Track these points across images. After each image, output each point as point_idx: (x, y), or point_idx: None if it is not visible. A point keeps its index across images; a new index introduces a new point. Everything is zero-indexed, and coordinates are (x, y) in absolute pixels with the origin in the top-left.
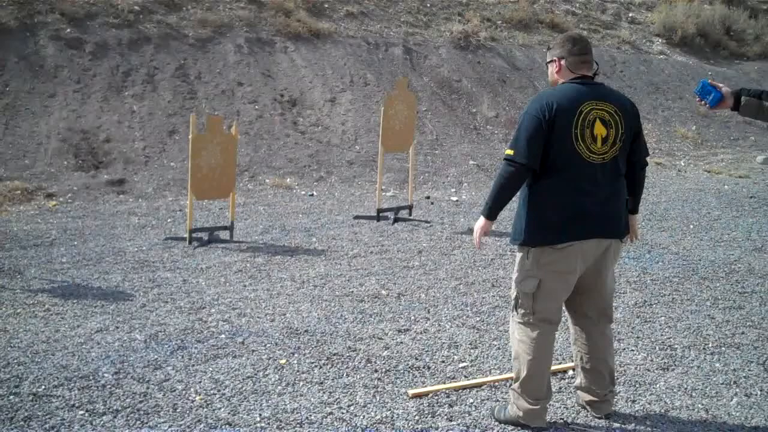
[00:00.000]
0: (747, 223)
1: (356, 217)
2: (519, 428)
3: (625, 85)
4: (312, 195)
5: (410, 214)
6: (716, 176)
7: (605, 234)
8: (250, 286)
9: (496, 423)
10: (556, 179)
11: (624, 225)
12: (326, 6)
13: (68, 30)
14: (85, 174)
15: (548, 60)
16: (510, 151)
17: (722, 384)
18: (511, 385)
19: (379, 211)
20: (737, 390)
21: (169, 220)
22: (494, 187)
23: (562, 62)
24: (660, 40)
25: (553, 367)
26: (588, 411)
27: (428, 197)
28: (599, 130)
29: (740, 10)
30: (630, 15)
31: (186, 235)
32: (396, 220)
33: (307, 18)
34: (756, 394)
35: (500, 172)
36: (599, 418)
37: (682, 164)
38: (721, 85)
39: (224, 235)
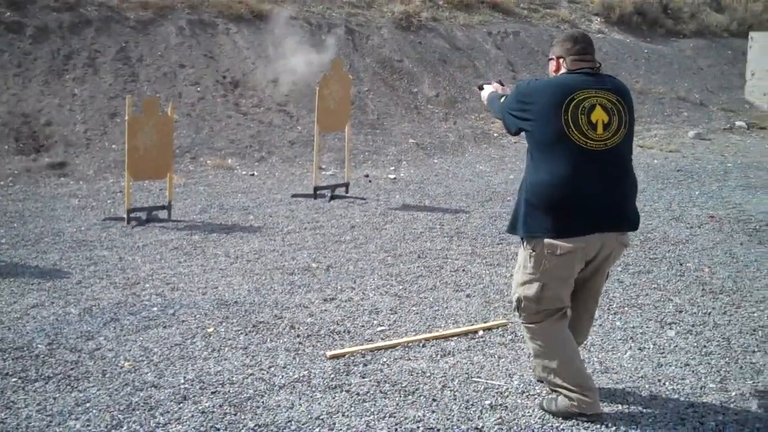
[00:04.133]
0: (670, 195)
1: (294, 196)
2: (575, 418)
3: None
4: (253, 175)
5: (347, 192)
6: (648, 151)
7: (610, 227)
8: (185, 262)
9: (408, 378)
10: (552, 167)
11: (633, 215)
12: None
13: (8, 14)
14: (25, 158)
15: (549, 57)
16: (503, 99)
17: (619, 340)
18: (542, 380)
19: (316, 189)
20: (632, 344)
21: (109, 202)
22: (490, 104)
23: (561, 61)
24: (598, 19)
25: (462, 329)
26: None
27: (367, 175)
28: (599, 116)
29: None
30: None
31: (124, 215)
32: (332, 197)
33: None
34: (648, 348)
35: (495, 106)
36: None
37: None
38: None
39: (163, 214)
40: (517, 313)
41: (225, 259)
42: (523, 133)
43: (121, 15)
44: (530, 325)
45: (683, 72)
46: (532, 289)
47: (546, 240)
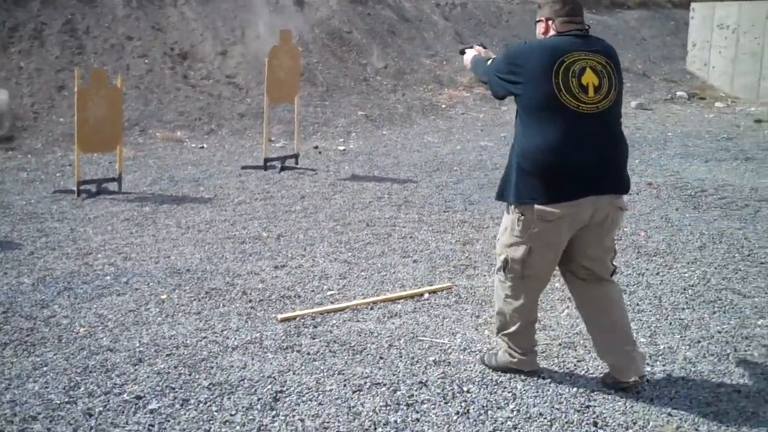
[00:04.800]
0: None
1: (244, 167)
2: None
3: (510, 35)
4: (202, 147)
5: (297, 163)
6: None
7: (602, 189)
8: (137, 232)
9: (356, 338)
10: (544, 132)
11: (625, 180)
12: None
13: None
14: None
15: (537, 20)
16: (490, 62)
17: (557, 300)
18: (496, 334)
19: (266, 160)
20: (569, 304)
21: (58, 175)
22: (475, 66)
23: (550, 23)
24: None
25: (408, 292)
26: (616, 379)
27: (316, 147)
28: (590, 78)
29: None
30: None
31: (74, 188)
32: (283, 168)
33: None
34: None
35: (481, 68)
36: (626, 386)
37: None
38: None
39: (113, 186)
40: (502, 273)
41: (176, 229)
42: (510, 98)
43: None
44: (512, 286)
45: (627, 43)
46: (518, 251)
47: (536, 206)
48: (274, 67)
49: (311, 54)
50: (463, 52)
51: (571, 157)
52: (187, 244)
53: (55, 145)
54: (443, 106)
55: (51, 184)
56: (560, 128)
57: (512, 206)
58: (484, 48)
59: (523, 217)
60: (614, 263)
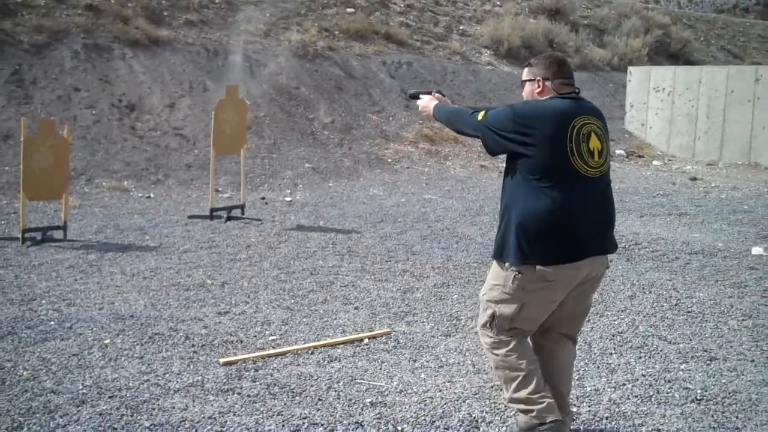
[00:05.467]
0: None
1: (190, 217)
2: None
3: (455, 93)
4: (149, 197)
5: (243, 213)
6: None
7: (600, 250)
8: (81, 279)
9: (296, 381)
10: (552, 194)
11: (614, 240)
12: (165, 14)
13: None
14: None
15: (527, 78)
16: (480, 116)
17: None
18: (506, 395)
19: (212, 210)
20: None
21: (2, 222)
22: (454, 116)
23: (547, 83)
24: (488, 52)
25: (348, 337)
26: None
27: (263, 198)
28: (595, 143)
29: (562, 24)
30: (461, 28)
31: (19, 236)
32: (229, 218)
33: (145, 25)
34: None
35: (466, 120)
36: None
37: (504, 166)
38: None
39: (58, 234)
40: (487, 329)
41: (121, 276)
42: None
43: (14, 38)
44: (498, 343)
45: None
46: (509, 309)
47: (538, 267)
48: (220, 120)
49: (259, 108)
50: (416, 97)
51: (579, 220)
52: (131, 290)
53: (0, 193)
54: (389, 160)
55: None
56: (569, 191)
57: (507, 263)
58: (443, 95)
59: (520, 275)
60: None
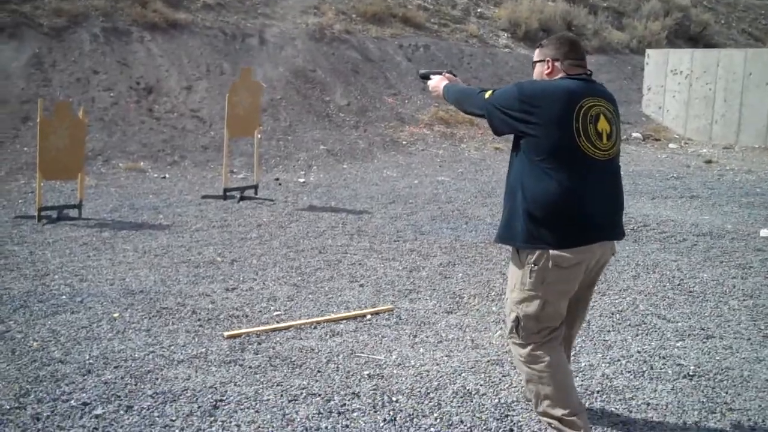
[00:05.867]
0: None
1: (204, 197)
2: None
3: (471, 77)
4: (164, 178)
5: (256, 193)
6: None
7: (610, 235)
8: (94, 256)
9: (297, 354)
10: (559, 177)
11: (623, 226)
12: None
13: None
14: None
15: (538, 59)
16: (488, 94)
17: (492, 322)
18: (536, 410)
19: (226, 190)
20: (502, 326)
21: (20, 201)
22: (462, 96)
23: (557, 64)
24: (506, 35)
25: (351, 313)
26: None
27: (277, 179)
28: (603, 125)
29: (580, 7)
30: (478, 10)
31: (35, 214)
32: (242, 198)
33: (164, 8)
34: None
35: (473, 100)
36: None
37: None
38: None
39: (73, 213)
40: (515, 334)
41: (133, 253)
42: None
43: (34, 22)
44: (528, 348)
45: None
46: (532, 307)
47: (552, 252)
48: (234, 102)
49: (275, 90)
50: (426, 77)
51: (587, 203)
52: (142, 267)
53: (19, 173)
54: (404, 142)
55: (13, 210)
56: (577, 174)
57: (523, 257)
58: (454, 75)
59: (536, 267)
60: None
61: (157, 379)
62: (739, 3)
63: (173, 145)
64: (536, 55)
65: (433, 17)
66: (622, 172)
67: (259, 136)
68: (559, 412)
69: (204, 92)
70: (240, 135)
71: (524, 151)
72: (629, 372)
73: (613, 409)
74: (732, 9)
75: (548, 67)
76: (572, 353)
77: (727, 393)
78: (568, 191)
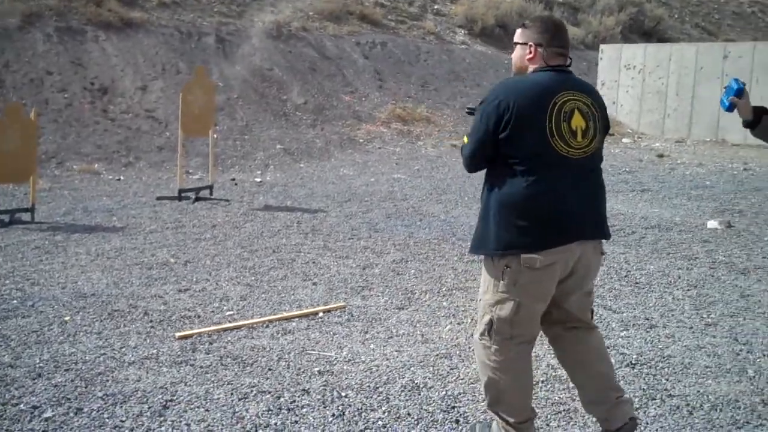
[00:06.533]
0: None
1: (159, 198)
2: None
3: (428, 73)
4: (119, 179)
5: (211, 194)
6: None
7: (588, 235)
8: (47, 260)
9: (249, 353)
10: (533, 177)
11: (607, 225)
12: None
13: None
14: None
15: (519, 41)
16: (465, 140)
17: (443, 317)
18: (486, 408)
19: (181, 191)
20: (452, 320)
21: None
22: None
23: (539, 50)
24: (462, 31)
25: (303, 311)
26: (608, 430)
27: (233, 179)
28: (578, 121)
29: (536, 3)
30: (435, 7)
31: None
32: (197, 199)
33: (118, 7)
34: (466, 322)
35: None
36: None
37: None
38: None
39: (26, 217)
40: (486, 337)
41: (86, 256)
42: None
43: None
44: (498, 351)
45: None
46: (506, 309)
47: (523, 255)
48: (188, 102)
49: (232, 89)
50: (472, 113)
51: (559, 204)
52: (95, 270)
53: None
54: (361, 140)
55: None
56: (550, 174)
57: (494, 259)
58: None
59: (508, 269)
60: (592, 306)
61: (107, 381)
62: None
63: (128, 146)
64: (518, 35)
65: (390, 14)
66: None
67: (215, 135)
68: (513, 418)
69: (159, 92)
70: (195, 135)
71: (499, 155)
72: None
73: (557, 398)
74: (685, 4)
75: (530, 53)
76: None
77: (667, 380)
78: (540, 193)
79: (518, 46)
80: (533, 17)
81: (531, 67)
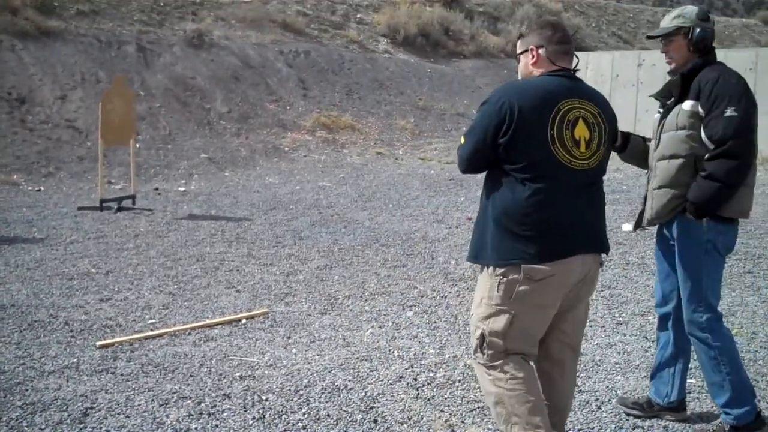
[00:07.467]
0: (438, 201)
1: (80, 208)
2: None
3: (352, 82)
4: (39, 190)
5: (134, 204)
6: (428, 163)
7: (590, 248)
8: None
9: (170, 360)
10: (533, 187)
11: (606, 238)
12: (56, 4)
13: None
14: None
15: (521, 51)
16: (462, 140)
17: (365, 321)
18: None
19: (102, 201)
20: (374, 324)
21: None
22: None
23: (541, 51)
24: (385, 40)
25: (226, 318)
26: None
27: (156, 188)
28: (582, 131)
29: (457, 12)
30: (358, 16)
31: None
32: (119, 209)
33: (35, 16)
34: (387, 326)
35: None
36: None
37: (400, 153)
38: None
39: None
40: (479, 353)
41: (5, 268)
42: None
43: None
44: (494, 368)
45: (463, 90)
46: (499, 323)
47: (524, 266)
48: (107, 110)
49: (154, 99)
50: None
51: (562, 216)
52: (14, 281)
53: None
54: (286, 148)
55: None
56: (551, 184)
57: (492, 269)
58: None
59: (505, 279)
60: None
61: (26, 390)
62: (609, 7)
63: (48, 156)
64: (519, 46)
65: (312, 23)
66: None
67: (137, 145)
68: None
69: (79, 101)
70: (115, 143)
71: (498, 160)
72: None
73: (473, 396)
74: (602, 13)
75: (533, 57)
76: (437, 346)
77: (578, 377)
78: (540, 202)
79: (521, 56)
80: (529, 25)
81: (537, 72)
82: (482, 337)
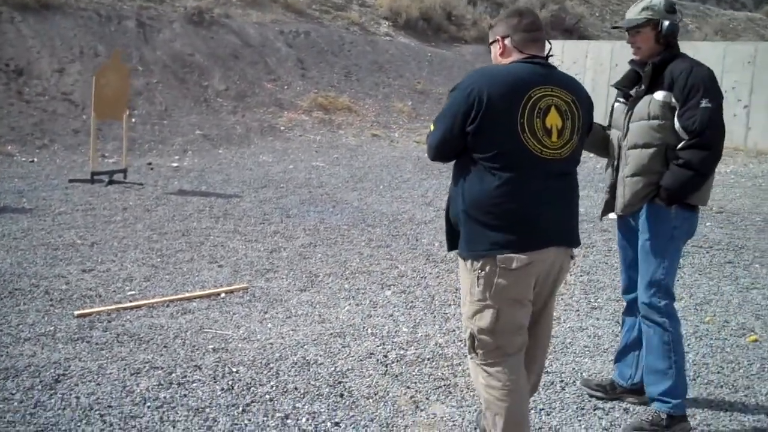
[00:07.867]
0: (429, 184)
1: (71, 180)
2: None
3: (351, 63)
4: (32, 162)
5: (125, 177)
6: (422, 146)
7: (562, 241)
8: None
9: (146, 331)
10: (503, 177)
11: (578, 231)
12: None
13: None
14: None
15: (490, 41)
16: (431, 127)
17: (343, 298)
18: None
19: (93, 174)
20: (351, 302)
21: None
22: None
23: (507, 42)
24: (387, 23)
25: (205, 291)
26: None
27: (150, 163)
28: (553, 120)
29: None
30: None
31: None
32: (110, 182)
33: None
34: (364, 304)
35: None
36: None
37: (396, 135)
38: None
39: None
40: (473, 354)
41: None
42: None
43: None
44: (489, 368)
45: (462, 75)
46: (485, 319)
47: (498, 255)
48: (101, 85)
49: (152, 74)
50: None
51: (532, 207)
52: None
53: None
54: (282, 128)
55: None
56: (521, 174)
57: (469, 262)
58: None
59: (483, 273)
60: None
61: (1, 356)
62: None
63: (43, 128)
64: (489, 37)
65: (314, 4)
66: None
67: (133, 120)
68: None
69: (77, 75)
70: (108, 118)
71: (467, 149)
72: (460, 341)
73: (440, 374)
74: (606, 2)
75: (500, 48)
76: (411, 325)
77: (548, 358)
78: (509, 193)
79: (491, 47)
80: (499, 15)
81: (506, 62)
82: (472, 336)
